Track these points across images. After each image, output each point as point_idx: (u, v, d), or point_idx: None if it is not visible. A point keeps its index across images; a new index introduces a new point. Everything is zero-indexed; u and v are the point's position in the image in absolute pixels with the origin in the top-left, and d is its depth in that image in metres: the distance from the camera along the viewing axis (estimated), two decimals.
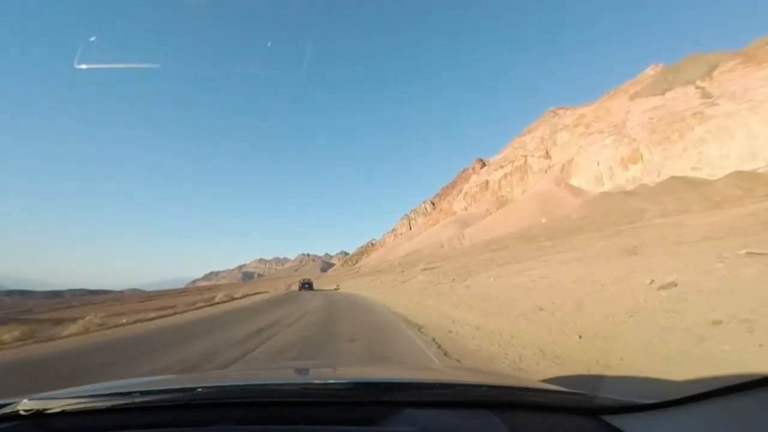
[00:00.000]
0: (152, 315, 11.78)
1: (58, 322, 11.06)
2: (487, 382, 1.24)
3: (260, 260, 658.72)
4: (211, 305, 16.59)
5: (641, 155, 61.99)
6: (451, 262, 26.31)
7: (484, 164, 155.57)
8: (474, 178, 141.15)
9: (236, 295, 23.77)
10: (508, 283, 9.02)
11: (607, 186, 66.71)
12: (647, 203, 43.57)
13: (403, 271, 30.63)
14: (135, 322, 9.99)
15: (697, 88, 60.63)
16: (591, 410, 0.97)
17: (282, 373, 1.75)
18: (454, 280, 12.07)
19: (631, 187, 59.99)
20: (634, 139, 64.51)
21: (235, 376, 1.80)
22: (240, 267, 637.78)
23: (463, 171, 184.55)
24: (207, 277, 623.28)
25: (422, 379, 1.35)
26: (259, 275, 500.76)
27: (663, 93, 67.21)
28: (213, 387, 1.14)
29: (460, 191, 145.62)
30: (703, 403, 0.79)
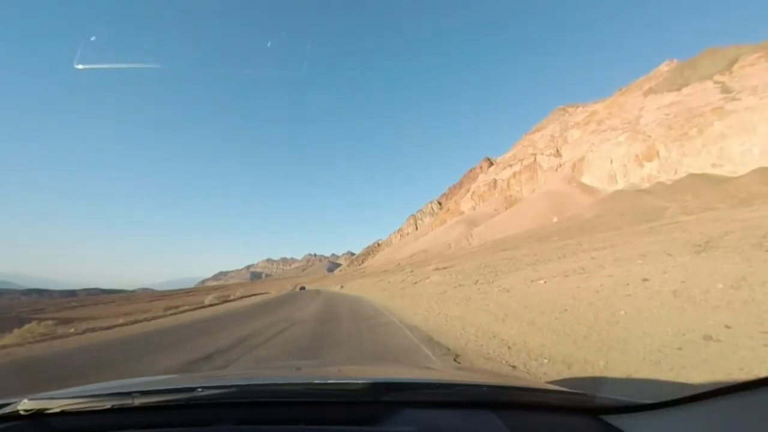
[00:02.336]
0: (120, 321, 10.82)
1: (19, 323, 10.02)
2: (487, 382, 1.23)
3: (268, 260, 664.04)
4: (194, 309, 15.91)
5: (657, 152, 60.05)
6: (465, 261, 25.37)
7: (491, 163, 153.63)
8: (482, 177, 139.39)
9: (231, 297, 23.28)
10: (570, 287, 6.42)
11: (621, 184, 64.86)
12: (666, 201, 42.01)
13: (412, 271, 29.80)
14: (84, 331, 8.72)
15: (716, 83, 58.41)
16: (591, 410, 0.97)
17: (282, 373, 1.72)
18: (478, 281, 10.57)
19: (646, 185, 58.16)
20: (649, 136, 62.55)
21: (235, 376, 1.73)
22: (248, 267, 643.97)
23: (471, 170, 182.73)
24: (216, 276, 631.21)
25: (422, 379, 1.33)
26: (267, 275, 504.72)
27: (679, 88, 65.00)
28: (213, 387, 1.10)
29: (468, 191, 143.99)
30: (703, 403, 0.79)
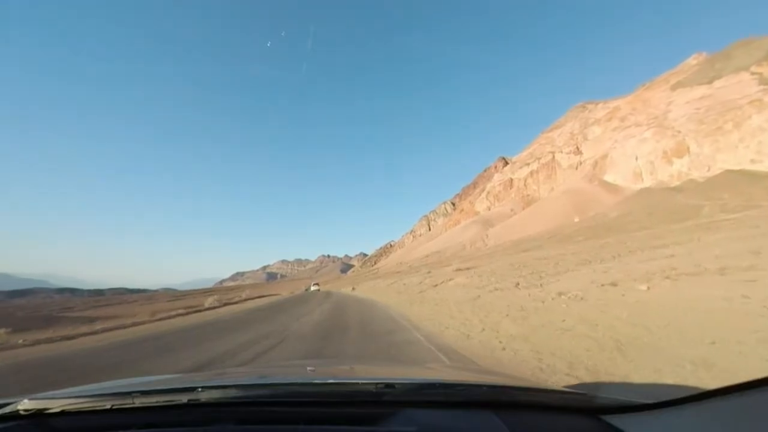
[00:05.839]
0: (129, 322, 11.00)
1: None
2: (487, 382, 1.23)
3: (283, 261, 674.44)
4: (191, 313, 15.68)
5: (688, 148, 56.90)
6: (489, 262, 24.27)
7: (507, 162, 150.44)
8: (497, 176, 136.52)
9: (233, 300, 23.23)
10: (696, 295, 4.68)
11: (648, 182, 61.86)
12: (699, 199, 39.50)
13: (430, 272, 28.85)
14: (86, 334, 8.76)
15: (753, 74, 54.92)
16: (591, 410, 0.98)
17: (282, 373, 1.71)
18: (519, 284, 9.06)
19: (676, 182, 55.21)
20: (679, 131, 59.38)
21: (235, 375, 1.71)
22: (264, 268, 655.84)
23: (485, 170, 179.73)
24: (233, 277, 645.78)
25: (422, 379, 1.33)
26: (282, 276, 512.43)
27: (711, 81, 61.56)
28: (213, 387, 1.11)
29: (483, 190, 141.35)
30: (703, 403, 0.79)
